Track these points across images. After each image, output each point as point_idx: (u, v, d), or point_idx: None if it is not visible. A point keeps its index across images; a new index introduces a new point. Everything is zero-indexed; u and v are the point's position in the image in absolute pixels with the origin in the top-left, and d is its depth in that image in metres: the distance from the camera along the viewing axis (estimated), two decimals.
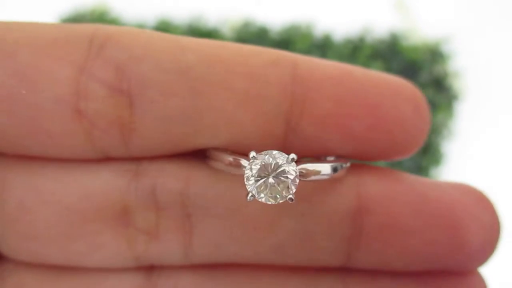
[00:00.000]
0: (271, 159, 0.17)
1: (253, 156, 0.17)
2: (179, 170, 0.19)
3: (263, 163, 0.17)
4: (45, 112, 0.17)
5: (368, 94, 0.18)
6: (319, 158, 0.19)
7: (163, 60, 0.17)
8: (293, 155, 0.17)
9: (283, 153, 0.17)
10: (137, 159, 0.19)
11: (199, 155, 0.19)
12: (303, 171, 0.17)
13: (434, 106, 0.80)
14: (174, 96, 0.17)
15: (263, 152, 0.17)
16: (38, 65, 0.17)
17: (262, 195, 0.17)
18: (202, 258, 0.20)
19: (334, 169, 0.18)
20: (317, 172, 0.17)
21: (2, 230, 0.19)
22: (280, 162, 0.17)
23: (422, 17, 0.85)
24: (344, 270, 0.20)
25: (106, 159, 0.19)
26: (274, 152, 0.17)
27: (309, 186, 0.19)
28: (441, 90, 0.81)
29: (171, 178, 0.19)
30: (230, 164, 0.18)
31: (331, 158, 0.19)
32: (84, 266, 0.20)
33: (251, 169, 0.17)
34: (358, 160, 0.19)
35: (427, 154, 0.79)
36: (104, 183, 0.19)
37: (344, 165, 0.18)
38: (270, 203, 0.17)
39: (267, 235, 0.19)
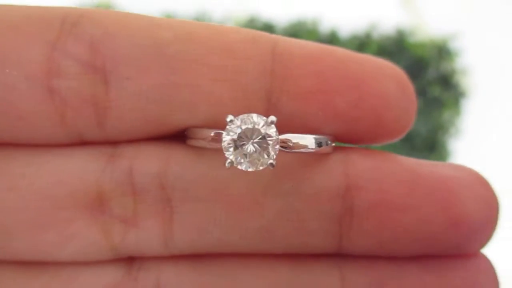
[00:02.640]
0: (249, 122, 0.16)
1: (231, 120, 0.16)
2: (157, 151, 0.18)
3: (242, 127, 0.16)
4: (15, 91, 0.17)
5: (349, 71, 0.17)
6: None
7: (138, 36, 0.17)
8: (272, 117, 0.16)
9: (262, 116, 0.17)
10: (113, 143, 0.18)
11: (178, 138, 0.19)
12: (289, 143, 0.17)
13: (441, 104, 0.80)
14: (150, 73, 0.17)
15: (241, 115, 0.17)
16: (7, 43, 0.17)
17: (241, 161, 0.17)
18: (184, 246, 0.19)
19: (319, 143, 0.17)
20: (302, 145, 0.17)
21: None
22: (260, 125, 0.16)
23: (429, 14, 0.85)
24: (339, 257, 0.19)
25: (80, 143, 0.18)
26: (253, 114, 0.17)
27: (294, 163, 0.18)
28: (448, 88, 0.81)
29: (149, 160, 0.18)
30: (211, 138, 0.17)
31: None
32: (55, 260, 0.19)
33: (229, 133, 0.16)
34: (344, 142, 0.19)
35: (434, 152, 0.79)
36: (78, 167, 0.18)
37: (329, 142, 0.18)
38: (250, 170, 0.17)
39: (253, 216, 0.18)
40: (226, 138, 0.17)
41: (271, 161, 0.17)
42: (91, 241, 0.18)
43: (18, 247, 0.18)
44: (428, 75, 0.80)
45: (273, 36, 0.18)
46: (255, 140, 0.17)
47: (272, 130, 0.17)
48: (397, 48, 0.81)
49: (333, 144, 0.18)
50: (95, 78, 0.17)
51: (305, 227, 0.18)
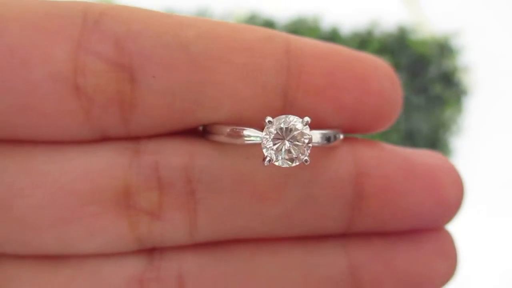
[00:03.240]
0: (287, 122, 0.18)
1: (269, 121, 0.18)
2: (181, 146, 0.19)
3: (279, 127, 0.18)
4: (40, 90, 0.17)
5: (354, 69, 0.19)
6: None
7: (162, 35, 0.17)
8: (307, 118, 0.18)
9: (298, 117, 0.18)
10: (136, 138, 0.19)
11: (199, 133, 0.19)
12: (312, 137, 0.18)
13: (442, 101, 0.80)
14: (175, 71, 0.17)
15: (278, 117, 0.18)
16: (30, 40, 0.16)
17: (279, 158, 0.18)
18: (207, 235, 0.20)
19: (328, 138, 0.19)
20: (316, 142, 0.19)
21: None
22: (296, 125, 0.18)
23: (430, 11, 0.85)
24: (344, 236, 0.21)
25: (103, 139, 0.18)
26: (290, 116, 0.18)
27: (310, 155, 0.19)
28: (449, 85, 0.80)
29: (174, 154, 0.19)
30: (230, 134, 0.18)
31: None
32: (80, 253, 0.19)
33: (268, 133, 0.18)
34: (348, 133, 0.20)
35: (436, 150, 0.78)
36: (103, 162, 0.18)
37: (337, 135, 0.19)
38: (286, 166, 0.18)
39: (274, 204, 0.19)
40: (266, 137, 0.18)
41: (305, 157, 0.18)
42: (117, 234, 0.19)
43: (44, 242, 0.18)
44: (430, 72, 0.80)
45: (285, 34, 0.19)
46: (290, 139, 0.18)
47: (307, 130, 0.18)
48: (398, 46, 0.81)
49: (341, 137, 0.20)
50: (122, 76, 0.17)
51: (322, 211, 0.20)
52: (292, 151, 0.18)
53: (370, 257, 0.21)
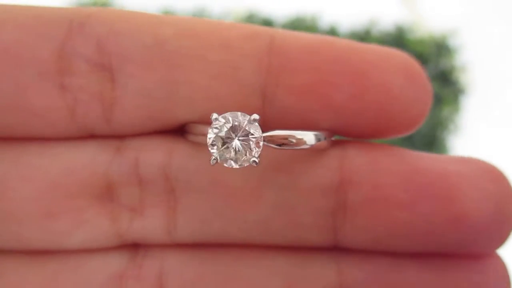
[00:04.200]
0: (234, 120, 0.17)
1: (215, 118, 0.17)
2: (161, 144, 0.19)
3: (227, 126, 0.17)
4: (30, 87, 0.17)
5: (350, 61, 0.17)
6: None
7: (141, 34, 0.17)
8: (255, 115, 0.17)
9: (246, 114, 0.17)
10: (120, 137, 0.19)
11: (180, 132, 0.19)
12: (273, 139, 0.17)
13: (440, 100, 0.80)
14: (151, 70, 0.17)
15: (226, 113, 0.17)
16: (21, 41, 0.17)
17: (227, 158, 0.17)
18: (187, 235, 0.20)
19: (318, 139, 0.17)
20: (295, 143, 0.17)
21: None
22: (244, 123, 0.17)
23: (428, 10, 0.85)
24: (336, 251, 0.19)
25: (89, 137, 0.19)
26: (237, 113, 0.17)
27: (290, 158, 0.18)
28: (447, 84, 0.81)
29: (154, 152, 0.19)
30: (204, 134, 0.17)
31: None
32: (64, 247, 0.19)
33: (213, 130, 0.17)
34: (346, 136, 0.18)
35: (433, 149, 0.79)
36: (88, 158, 0.19)
37: (322, 136, 0.17)
38: (235, 166, 0.17)
39: (250, 209, 0.19)
40: (211, 136, 0.17)
41: (254, 158, 0.17)
42: (99, 228, 0.19)
43: (29, 236, 0.19)
44: (427, 71, 0.80)
45: (272, 30, 0.18)
46: (240, 138, 0.17)
47: (255, 128, 0.17)
48: (396, 45, 0.81)
49: (332, 139, 0.18)
50: (103, 76, 0.18)
51: (299, 220, 0.19)
52: (241, 150, 0.17)
53: (367, 277, 0.18)
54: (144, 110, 0.18)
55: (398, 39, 0.81)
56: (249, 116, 0.17)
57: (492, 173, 0.17)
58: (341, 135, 0.18)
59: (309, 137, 0.17)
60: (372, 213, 0.17)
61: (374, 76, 0.17)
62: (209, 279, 0.20)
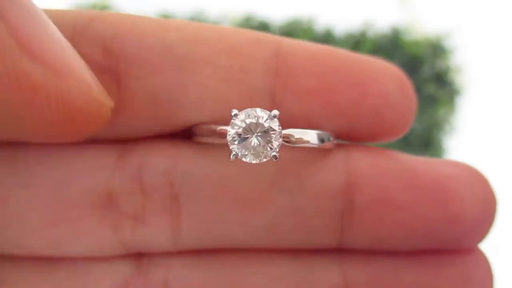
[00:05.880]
0: (253, 116, 0.17)
1: (235, 114, 0.17)
2: (166, 149, 0.19)
3: (247, 121, 0.17)
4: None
5: (351, 71, 0.18)
6: None
7: (147, 38, 0.17)
8: (275, 111, 0.17)
9: (266, 110, 0.17)
10: (123, 141, 0.19)
11: (185, 136, 0.19)
12: (291, 138, 0.17)
13: (435, 101, 0.80)
14: (158, 73, 0.17)
15: (246, 109, 0.17)
16: None
17: (246, 154, 0.17)
18: (192, 242, 0.19)
19: (321, 139, 0.18)
20: (305, 140, 0.17)
21: None
22: (264, 118, 0.17)
23: (423, 12, 0.85)
24: (339, 252, 0.20)
25: (91, 142, 0.19)
26: (257, 109, 0.17)
27: (297, 161, 0.19)
28: (442, 85, 0.81)
29: (158, 157, 0.19)
30: (215, 133, 0.17)
31: None
32: (68, 255, 0.19)
33: (233, 127, 0.17)
34: (345, 140, 0.19)
35: (429, 149, 0.79)
36: (88, 165, 0.18)
37: (331, 138, 0.18)
38: (254, 162, 0.17)
39: (258, 212, 0.19)
40: (231, 131, 0.17)
41: (274, 153, 0.17)
42: (101, 237, 0.19)
43: (32, 243, 0.19)
44: (423, 73, 0.81)
45: (277, 37, 0.19)
46: (258, 134, 0.17)
47: (275, 124, 0.17)
48: (392, 46, 0.81)
49: (335, 142, 0.19)
50: (108, 79, 0.17)
51: (308, 223, 0.19)
52: (261, 146, 0.17)
53: (370, 277, 0.19)
54: (150, 112, 0.18)
55: (393, 40, 0.82)
56: (269, 112, 0.17)
57: (479, 177, 0.19)
58: (342, 138, 0.19)
59: (323, 136, 0.18)
60: (377, 215, 0.18)
61: (372, 84, 0.18)
62: (215, 285, 0.19)
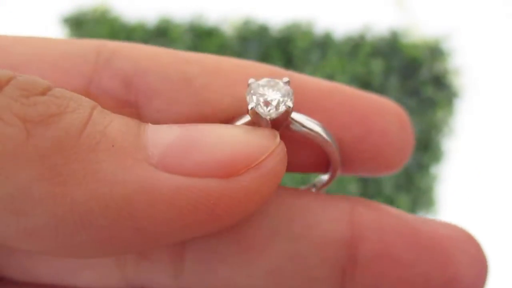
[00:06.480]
0: (269, 80, 0.17)
1: (252, 81, 0.17)
2: None
3: (262, 83, 0.17)
4: None
5: (356, 107, 0.19)
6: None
7: (168, 71, 0.18)
8: (286, 78, 0.17)
9: (278, 79, 0.18)
10: None
11: None
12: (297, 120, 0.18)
13: (434, 104, 0.81)
14: (179, 104, 0.18)
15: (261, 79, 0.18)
16: (46, 77, 0.17)
17: (263, 107, 0.17)
18: (194, 281, 0.19)
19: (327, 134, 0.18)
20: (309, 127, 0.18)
21: None
22: (280, 83, 0.17)
23: (422, 15, 0.86)
24: None
25: None
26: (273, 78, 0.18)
27: (303, 209, 0.19)
28: (441, 88, 0.82)
29: None
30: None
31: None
32: (71, 285, 0.19)
33: (251, 89, 0.17)
34: (347, 173, 0.20)
35: (428, 152, 0.79)
36: None
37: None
38: (271, 112, 0.17)
39: (260, 257, 0.19)
40: (250, 92, 0.17)
41: (289, 104, 0.17)
42: (105, 270, 0.19)
43: (40, 270, 0.19)
44: (421, 75, 0.81)
45: (290, 71, 0.19)
46: (275, 91, 0.17)
47: (286, 86, 0.17)
48: (390, 49, 0.82)
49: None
50: (129, 112, 0.18)
51: (310, 272, 0.19)
52: (276, 100, 0.17)
53: None
54: None
55: (392, 43, 0.82)
56: (282, 79, 0.17)
57: (473, 241, 0.19)
58: (343, 171, 0.20)
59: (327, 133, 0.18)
60: (379, 270, 0.18)
61: (375, 121, 0.19)
62: None
